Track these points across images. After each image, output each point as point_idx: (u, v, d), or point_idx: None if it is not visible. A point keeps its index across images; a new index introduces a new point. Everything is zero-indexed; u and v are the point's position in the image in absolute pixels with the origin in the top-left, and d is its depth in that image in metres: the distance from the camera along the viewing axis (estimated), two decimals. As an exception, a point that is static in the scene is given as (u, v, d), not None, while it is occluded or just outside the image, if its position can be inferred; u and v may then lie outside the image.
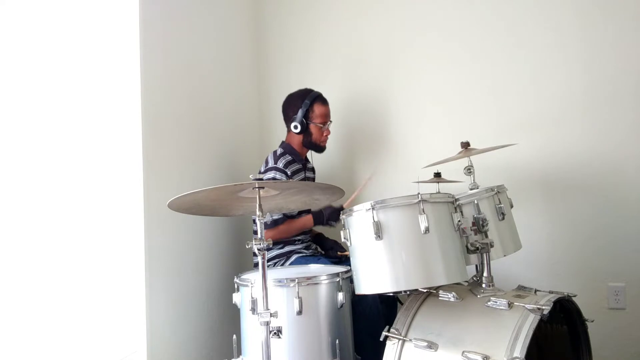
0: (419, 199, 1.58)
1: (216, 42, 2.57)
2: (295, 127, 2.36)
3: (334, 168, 2.86)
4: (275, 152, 2.39)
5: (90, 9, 1.95)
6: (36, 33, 1.98)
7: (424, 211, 1.57)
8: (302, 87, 2.48)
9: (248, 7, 3.00)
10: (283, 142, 2.47)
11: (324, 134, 2.43)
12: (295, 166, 2.38)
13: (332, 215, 2.29)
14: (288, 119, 2.42)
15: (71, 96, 1.95)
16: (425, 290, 1.76)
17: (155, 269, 1.95)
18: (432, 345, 1.57)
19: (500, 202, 1.85)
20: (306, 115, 2.37)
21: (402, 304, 2.02)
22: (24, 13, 1.99)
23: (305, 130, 2.38)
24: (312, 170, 2.57)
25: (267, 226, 2.23)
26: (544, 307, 1.50)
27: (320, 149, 2.46)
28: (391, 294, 1.93)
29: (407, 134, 2.77)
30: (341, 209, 2.22)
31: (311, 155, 2.56)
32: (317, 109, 2.39)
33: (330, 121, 2.46)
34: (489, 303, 1.60)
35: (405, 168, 2.70)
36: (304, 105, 2.36)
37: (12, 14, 1.99)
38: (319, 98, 2.41)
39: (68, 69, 1.95)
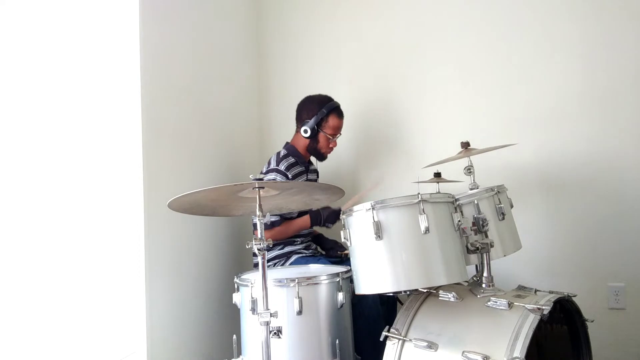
0: (419, 199, 1.58)
1: (216, 41, 2.57)
2: (305, 131, 2.35)
3: (335, 169, 2.85)
4: (278, 153, 2.39)
5: (90, 9, 1.95)
6: (36, 33, 1.98)
7: (424, 211, 1.57)
8: (303, 87, 2.48)
9: (249, 6, 2.99)
10: (287, 143, 2.46)
11: (330, 145, 2.42)
12: (298, 169, 2.37)
13: (330, 217, 2.29)
14: (300, 121, 2.41)
15: (71, 96, 1.95)
16: (425, 290, 1.76)
17: (155, 269, 1.95)
18: (432, 345, 1.57)
19: (500, 202, 1.85)
20: (319, 123, 2.36)
21: (402, 304, 2.01)
22: (24, 13, 1.99)
23: (313, 137, 2.37)
24: (315, 172, 2.56)
25: (264, 227, 2.22)
26: (544, 307, 1.50)
27: (322, 157, 2.46)
28: (391, 294, 1.93)
29: (407, 134, 2.76)
30: (339, 211, 2.21)
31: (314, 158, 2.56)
32: (332, 120, 2.37)
33: (340, 134, 2.45)
34: (489, 303, 1.60)
35: (405, 168, 2.70)
36: (320, 113, 2.34)
37: (12, 14, 1.99)
38: (336, 110, 2.39)
39: (68, 69, 1.95)
